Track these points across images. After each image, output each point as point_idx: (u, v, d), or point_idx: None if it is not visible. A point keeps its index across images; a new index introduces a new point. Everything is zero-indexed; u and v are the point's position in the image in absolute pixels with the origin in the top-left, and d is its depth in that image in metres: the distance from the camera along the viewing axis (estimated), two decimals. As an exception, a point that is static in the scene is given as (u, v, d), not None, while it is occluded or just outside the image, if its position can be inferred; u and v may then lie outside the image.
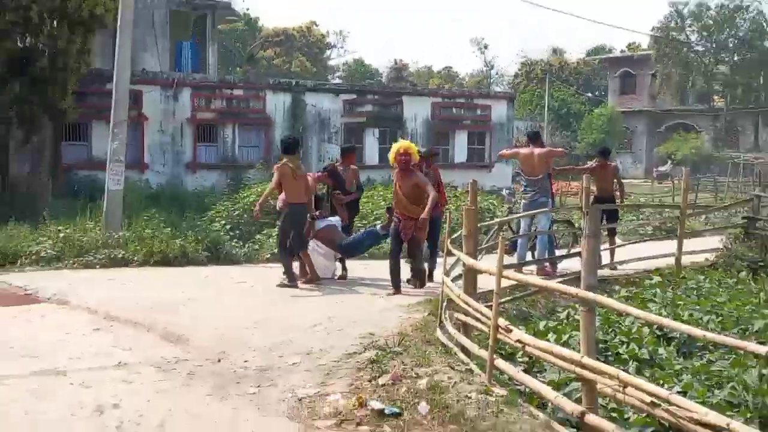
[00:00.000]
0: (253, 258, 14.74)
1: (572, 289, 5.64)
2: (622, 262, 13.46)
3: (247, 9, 66.58)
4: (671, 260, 13.21)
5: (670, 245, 13.64)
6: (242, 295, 11.11)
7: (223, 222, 16.49)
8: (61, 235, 14.40)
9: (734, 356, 7.28)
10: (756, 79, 55.86)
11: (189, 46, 31.08)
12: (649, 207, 22.88)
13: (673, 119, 57.52)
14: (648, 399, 4.48)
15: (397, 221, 11.03)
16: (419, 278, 11.29)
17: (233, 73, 48.64)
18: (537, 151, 12.95)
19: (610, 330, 8.53)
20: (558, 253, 13.39)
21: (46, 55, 19.68)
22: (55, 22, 19.43)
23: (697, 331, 4.58)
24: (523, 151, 13.28)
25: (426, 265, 11.59)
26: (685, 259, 13.38)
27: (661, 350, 7.82)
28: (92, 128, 23.82)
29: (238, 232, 16.11)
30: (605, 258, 13.13)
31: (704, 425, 4.14)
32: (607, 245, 13.52)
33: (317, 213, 11.94)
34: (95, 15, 19.94)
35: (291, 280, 11.43)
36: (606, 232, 13.64)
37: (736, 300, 10.11)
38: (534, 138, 13.42)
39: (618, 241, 15.04)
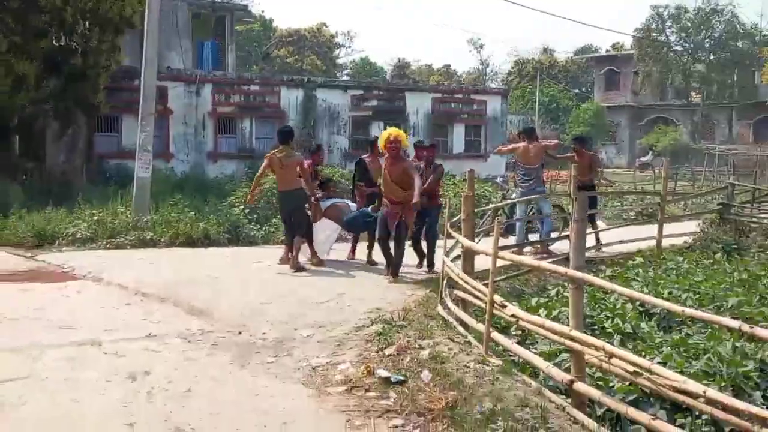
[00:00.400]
0: (269, 239, 14.71)
1: (562, 269, 5.66)
2: (606, 245, 13.47)
3: (263, 11, 66.59)
4: (652, 243, 13.25)
5: (651, 229, 13.65)
6: (260, 273, 11.11)
7: (242, 207, 16.47)
8: (95, 218, 14.44)
9: (710, 330, 7.31)
10: (730, 76, 55.60)
11: (210, 46, 30.93)
12: (631, 194, 22.87)
13: (653, 113, 57.34)
14: (631, 368, 4.51)
15: (385, 208, 10.63)
16: (394, 268, 10.51)
17: (250, 70, 48.43)
18: (533, 144, 13.00)
19: (596, 306, 8.53)
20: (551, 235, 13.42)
21: (79, 54, 19.61)
22: (87, 23, 19.35)
23: (676, 307, 4.61)
24: (521, 145, 13.28)
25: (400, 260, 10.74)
26: (665, 242, 13.40)
27: (643, 325, 7.84)
28: (122, 121, 23.78)
29: (255, 215, 16.06)
30: (591, 241, 13.14)
31: (682, 392, 4.17)
32: (589, 229, 13.50)
33: (320, 195, 11.79)
34: (124, 16, 19.88)
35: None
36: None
37: (712, 279, 10.13)
38: (529, 133, 13.45)
39: (602, 224, 15.04)
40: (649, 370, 4.31)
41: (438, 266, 9.57)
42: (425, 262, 11.44)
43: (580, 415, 5.06)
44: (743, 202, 16.25)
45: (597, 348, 4.87)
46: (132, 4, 19.87)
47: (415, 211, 10.55)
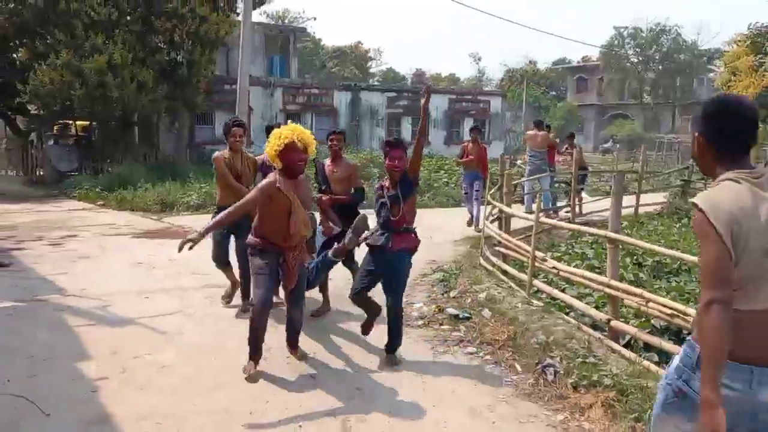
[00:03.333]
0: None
1: (602, 231, 5.44)
2: (592, 212, 13.07)
3: (314, 32, 65.87)
4: (630, 210, 12.88)
5: (625, 200, 13.28)
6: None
7: (311, 181, 16.24)
8: (203, 190, 14.34)
9: (695, 279, 7.05)
10: (674, 81, 54.43)
11: (278, 59, 30.67)
12: (608, 172, 22.34)
13: (614, 110, 56.21)
14: (667, 311, 4.30)
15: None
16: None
17: (305, 77, 48.02)
18: (540, 133, 12.70)
19: (598, 258, 8.26)
20: (559, 204, 13.08)
21: (184, 65, 19.41)
22: (191, 42, 19.12)
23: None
24: (530, 132, 13.02)
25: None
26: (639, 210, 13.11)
27: (641, 274, 7.59)
28: (216, 116, 23.62)
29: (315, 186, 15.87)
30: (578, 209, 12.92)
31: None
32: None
33: None
34: (218, 36, 19.59)
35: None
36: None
37: (686, 239, 9.83)
38: (539, 124, 13.16)
39: (586, 197, 14.57)
40: (684, 312, 4.10)
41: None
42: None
43: (617, 346, 4.87)
44: (699, 179, 15.80)
45: (635, 294, 4.66)
46: (224, 27, 19.56)
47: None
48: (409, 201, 4.66)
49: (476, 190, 11.12)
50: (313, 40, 61.26)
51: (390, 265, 4.67)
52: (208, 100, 21.55)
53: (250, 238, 4.49)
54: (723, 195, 1.98)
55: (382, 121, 28.21)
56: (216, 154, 6.14)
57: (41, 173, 20.12)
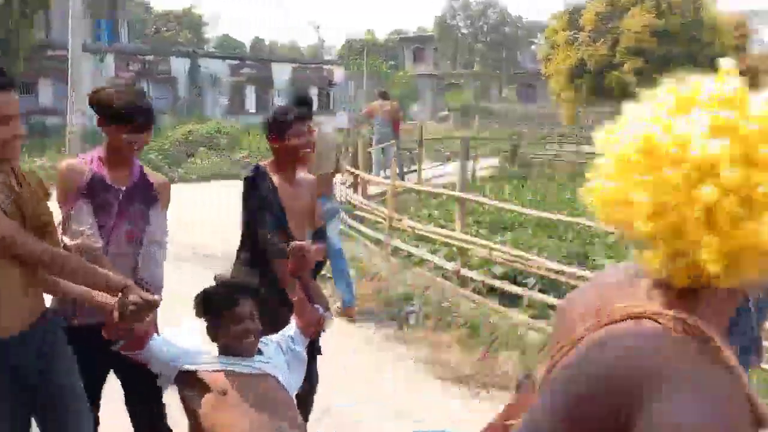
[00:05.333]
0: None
1: (450, 192, 6.12)
2: (434, 177, 14.03)
3: (141, -6, 61.79)
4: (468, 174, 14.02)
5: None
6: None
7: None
8: (36, 163, 13.37)
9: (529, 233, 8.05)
10: (500, 53, 58.44)
11: (105, 23, 28.72)
12: (448, 139, 23.65)
13: (448, 80, 59.27)
14: (509, 257, 5.06)
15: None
16: None
17: (137, 42, 45.26)
18: (386, 105, 13.20)
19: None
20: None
21: (4, 30, 17.70)
22: (8, 5, 17.43)
23: (514, 206, 5.14)
24: (376, 104, 13.42)
25: None
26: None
27: (481, 230, 8.47)
28: (39, 85, 21.74)
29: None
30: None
31: (548, 270, 4.76)
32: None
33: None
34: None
35: None
36: None
37: (518, 197, 11.00)
38: (384, 95, 13.66)
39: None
40: (524, 258, 4.87)
41: None
42: None
43: (466, 292, 5.58)
44: (528, 143, 17.49)
45: (482, 245, 5.38)
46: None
47: None
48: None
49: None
50: (142, 3, 57.69)
51: None
52: (29, 68, 19.79)
53: None
54: None
55: (226, 90, 27.62)
56: None
57: None
